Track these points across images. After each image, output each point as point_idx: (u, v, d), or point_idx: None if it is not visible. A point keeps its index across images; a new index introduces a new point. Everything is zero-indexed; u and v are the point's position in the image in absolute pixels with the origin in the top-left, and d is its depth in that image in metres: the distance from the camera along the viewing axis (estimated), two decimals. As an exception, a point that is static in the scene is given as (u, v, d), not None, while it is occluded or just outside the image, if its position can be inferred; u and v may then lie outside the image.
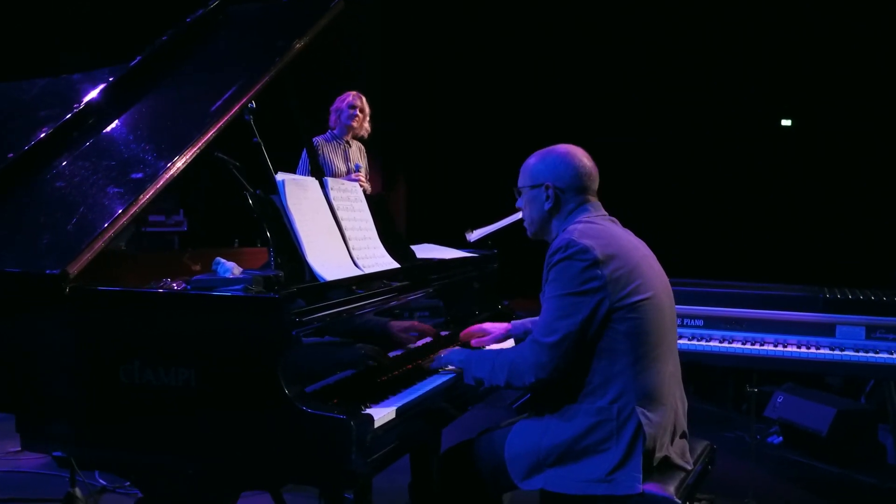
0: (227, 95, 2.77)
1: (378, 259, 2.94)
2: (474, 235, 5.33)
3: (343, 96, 5.38)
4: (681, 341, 3.57)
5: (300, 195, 2.68)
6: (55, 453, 2.26)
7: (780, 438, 5.07)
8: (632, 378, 2.36)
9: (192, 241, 7.17)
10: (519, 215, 4.80)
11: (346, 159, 5.38)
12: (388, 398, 2.33)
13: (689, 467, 2.50)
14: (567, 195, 2.53)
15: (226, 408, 2.06)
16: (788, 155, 7.02)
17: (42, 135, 2.71)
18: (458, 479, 2.61)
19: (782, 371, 3.55)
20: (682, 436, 2.56)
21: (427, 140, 8.60)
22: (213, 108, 2.74)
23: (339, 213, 2.86)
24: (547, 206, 2.54)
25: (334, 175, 5.22)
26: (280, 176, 2.64)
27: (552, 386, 2.42)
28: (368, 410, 2.17)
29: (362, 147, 5.50)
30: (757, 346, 3.53)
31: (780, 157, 7.05)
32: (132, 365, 2.11)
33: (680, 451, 2.52)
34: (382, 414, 2.16)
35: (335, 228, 2.81)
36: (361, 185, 5.06)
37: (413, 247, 3.58)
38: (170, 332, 2.10)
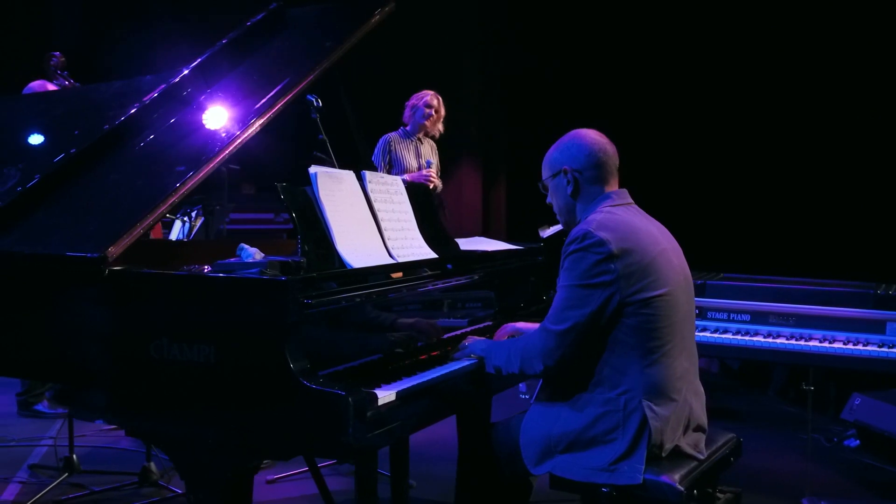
0: (272, 93, 2.95)
1: (415, 250, 3.05)
2: (547, 232, 5.40)
3: (421, 94, 5.52)
4: (725, 336, 3.56)
5: (333, 187, 2.81)
6: (97, 421, 2.47)
7: (858, 442, 4.91)
8: (640, 371, 2.40)
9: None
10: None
11: (418, 155, 5.51)
12: (401, 379, 2.44)
13: (701, 457, 2.52)
14: (585, 176, 2.56)
15: (240, 382, 2.21)
16: (841, 150, 6.79)
17: (104, 130, 2.95)
18: (477, 466, 2.71)
19: (828, 368, 3.48)
20: (698, 429, 2.57)
21: (528, 138, 8.68)
22: (258, 105, 2.92)
23: (377, 206, 2.98)
24: (569, 190, 2.59)
25: (405, 171, 5.37)
26: (313, 169, 2.78)
27: (563, 374, 2.49)
28: (377, 390, 2.29)
29: (434, 145, 5.62)
30: (803, 342, 3.48)
31: (832, 153, 6.82)
32: (161, 342, 2.29)
33: (693, 443, 2.53)
34: (386, 394, 2.27)
35: (370, 219, 2.93)
36: (432, 181, 5.22)
37: (464, 239, 3.70)
38: (191, 312, 2.28)
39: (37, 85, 5.19)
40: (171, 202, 2.53)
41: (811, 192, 6.83)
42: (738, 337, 3.55)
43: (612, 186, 2.59)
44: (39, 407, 5.26)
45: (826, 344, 3.46)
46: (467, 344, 2.76)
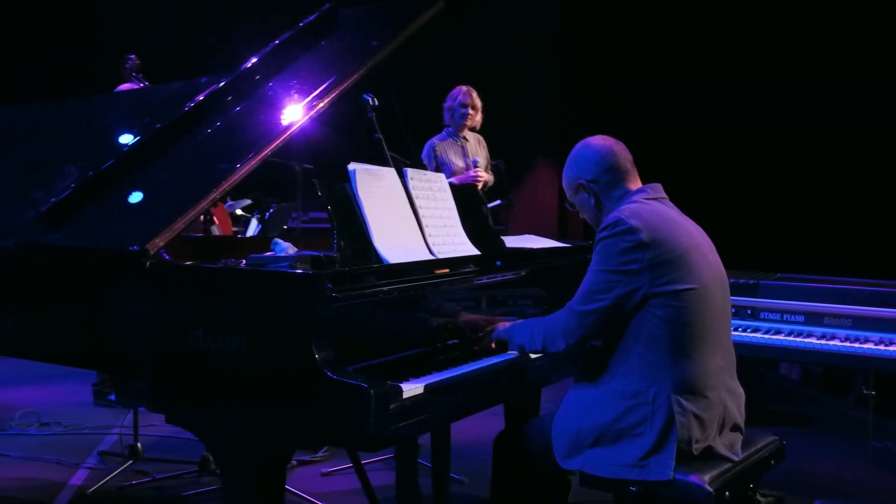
0: (315, 93, 3.00)
1: (456, 246, 3.07)
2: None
3: (454, 93, 5.55)
4: (777, 337, 3.47)
5: (373, 184, 2.85)
6: (140, 409, 2.56)
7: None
8: (670, 366, 2.38)
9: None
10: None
11: (464, 155, 5.55)
12: (431, 374, 2.46)
13: (736, 458, 2.47)
14: (602, 183, 2.57)
15: (269, 373, 2.26)
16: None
17: (156, 129, 3.05)
18: (510, 461, 2.71)
19: (885, 372, 3.35)
20: (735, 428, 2.53)
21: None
22: (301, 104, 2.98)
23: (418, 202, 3.01)
24: (592, 202, 2.61)
25: (453, 173, 5.44)
26: (352, 165, 2.82)
27: (594, 364, 2.50)
28: (404, 383, 2.31)
29: (480, 138, 5.65)
30: (858, 345, 3.36)
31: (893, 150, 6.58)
32: (197, 332, 2.36)
33: (729, 443, 2.49)
34: (412, 387, 2.29)
35: (411, 216, 2.96)
36: (480, 179, 5.26)
37: (513, 237, 3.71)
38: (224, 304, 2.35)
39: (125, 88, 5.40)
40: (210, 198, 2.60)
41: (871, 191, 6.63)
42: (791, 338, 3.46)
43: (634, 182, 2.59)
44: (113, 397, 5.46)
45: (882, 347, 3.34)
46: (495, 328, 2.78)
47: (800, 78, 7.09)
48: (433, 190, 3.13)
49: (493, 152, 5.72)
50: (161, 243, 2.47)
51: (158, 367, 2.46)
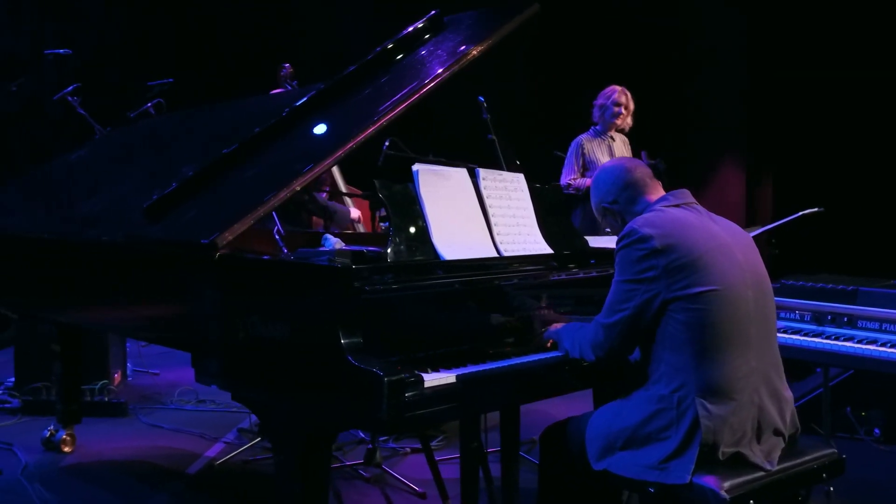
0: (396, 97, 3.16)
1: (527, 245, 3.13)
2: (751, 233, 5.21)
3: (608, 92, 5.54)
4: (869, 347, 3.24)
5: (437, 184, 2.97)
6: (212, 385, 2.83)
7: None
8: (694, 369, 2.36)
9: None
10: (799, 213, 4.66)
11: (611, 153, 5.54)
12: (465, 366, 2.53)
13: (770, 468, 2.39)
14: (622, 201, 2.63)
15: (305, 357, 2.45)
16: None
17: (255, 133, 3.32)
18: (554, 457, 2.75)
19: None
20: (777, 433, 2.45)
21: (797, 135, 8.33)
22: (381, 107, 3.14)
23: (488, 202, 3.10)
24: (619, 221, 2.66)
25: None
26: (416, 166, 2.95)
27: (626, 368, 2.52)
28: (431, 373, 2.40)
29: (626, 140, 5.61)
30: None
31: None
32: (253, 319, 2.59)
33: (767, 450, 2.42)
34: (436, 377, 2.39)
35: (479, 215, 3.06)
36: None
37: (606, 237, 3.72)
38: (273, 293, 2.56)
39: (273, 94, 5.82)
40: (281, 196, 2.81)
41: None
42: (883, 349, 3.23)
43: (655, 193, 2.62)
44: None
45: None
46: (544, 329, 2.85)
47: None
48: (507, 189, 3.21)
49: (672, 152, 5.64)
50: (229, 237, 2.71)
51: (225, 349, 2.72)
